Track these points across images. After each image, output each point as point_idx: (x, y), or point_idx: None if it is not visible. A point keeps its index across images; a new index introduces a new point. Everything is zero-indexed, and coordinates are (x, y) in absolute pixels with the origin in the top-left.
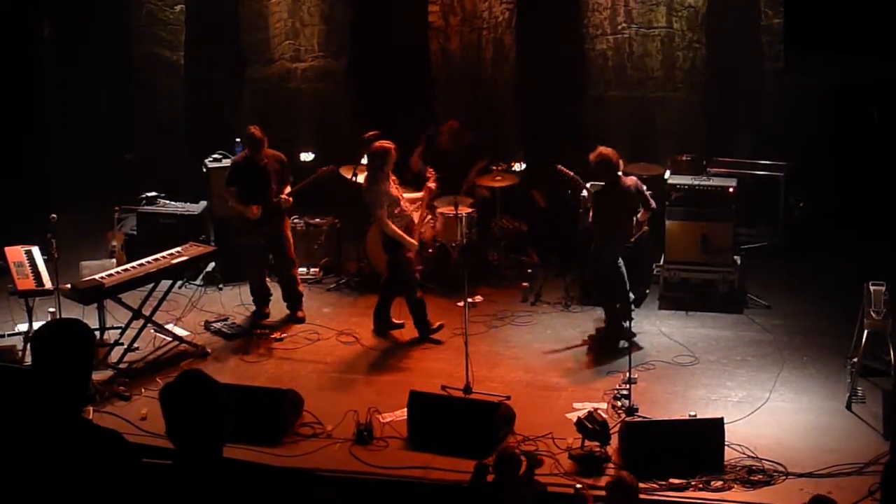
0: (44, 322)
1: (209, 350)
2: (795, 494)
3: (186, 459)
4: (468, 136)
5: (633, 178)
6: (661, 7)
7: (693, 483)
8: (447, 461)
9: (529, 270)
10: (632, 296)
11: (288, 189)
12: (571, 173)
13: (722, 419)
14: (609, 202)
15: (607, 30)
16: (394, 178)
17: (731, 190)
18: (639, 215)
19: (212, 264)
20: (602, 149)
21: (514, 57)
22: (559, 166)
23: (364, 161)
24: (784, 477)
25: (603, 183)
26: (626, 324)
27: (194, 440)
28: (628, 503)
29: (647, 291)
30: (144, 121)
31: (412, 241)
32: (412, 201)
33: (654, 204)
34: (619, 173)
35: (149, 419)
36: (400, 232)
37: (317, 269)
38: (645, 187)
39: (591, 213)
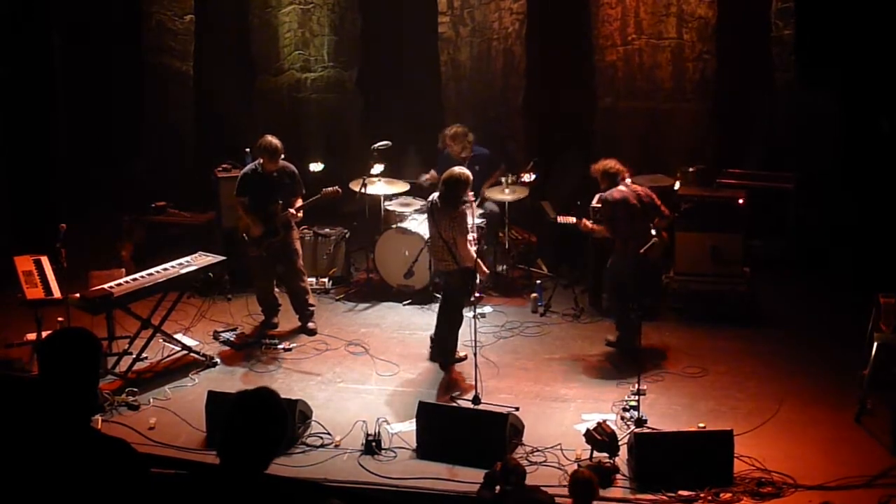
0: (52, 331)
1: (218, 360)
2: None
3: (229, 474)
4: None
5: (643, 187)
6: (671, 18)
7: (702, 495)
8: (456, 472)
9: (539, 281)
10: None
11: (299, 202)
12: (573, 219)
13: (731, 431)
14: (618, 207)
15: (617, 41)
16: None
17: (740, 201)
18: (654, 222)
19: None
20: (606, 160)
21: (523, 68)
22: (558, 218)
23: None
24: (793, 489)
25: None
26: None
27: (247, 456)
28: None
29: (656, 303)
30: (154, 131)
31: (485, 269)
32: None
33: (667, 211)
34: (625, 181)
35: (157, 429)
36: (476, 258)
37: (325, 280)
38: (656, 197)
39: (603, 226)
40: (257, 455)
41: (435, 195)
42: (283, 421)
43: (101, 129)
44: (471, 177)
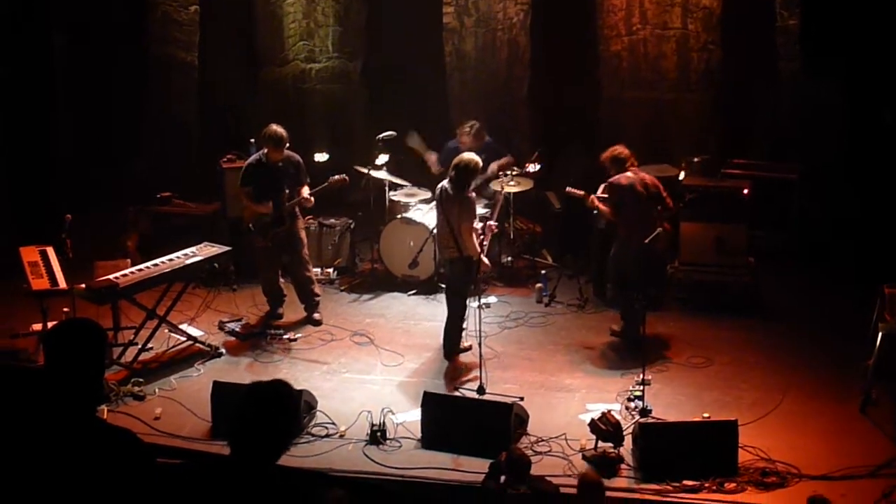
0: (57, 322)
1: (223, 350)
2: (809, 497)
3: (240, 465)
4: (485, 136)
5: (651, 176)
6: (676, 8)
7: (706, 485)
8: (460, 462)
9: (543, 272)
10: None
11: (305, 191)
12: (582, 192)
13: (735, 421)
14: (626, 192)
15: (622, 31)
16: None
17: (745, 192)
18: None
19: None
20: (615, 147)
21: (528, 58)
22: (567, 189)
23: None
24: (797, 479)
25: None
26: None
27: (260, 448)
28: (597, 499)
29: (661, 293)
30: (157, 122)
31: (488, 262)
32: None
33: (671, 203)
34: (633, 167)
35: (162, 419)
36: (478, 248)
37: (330, 270)
38: (662, 187)
39: (610, 210)
40: (270, 447)
41: (445, 182)
42: (297, 414)
43: (101, 128)
44: (480, 163)
